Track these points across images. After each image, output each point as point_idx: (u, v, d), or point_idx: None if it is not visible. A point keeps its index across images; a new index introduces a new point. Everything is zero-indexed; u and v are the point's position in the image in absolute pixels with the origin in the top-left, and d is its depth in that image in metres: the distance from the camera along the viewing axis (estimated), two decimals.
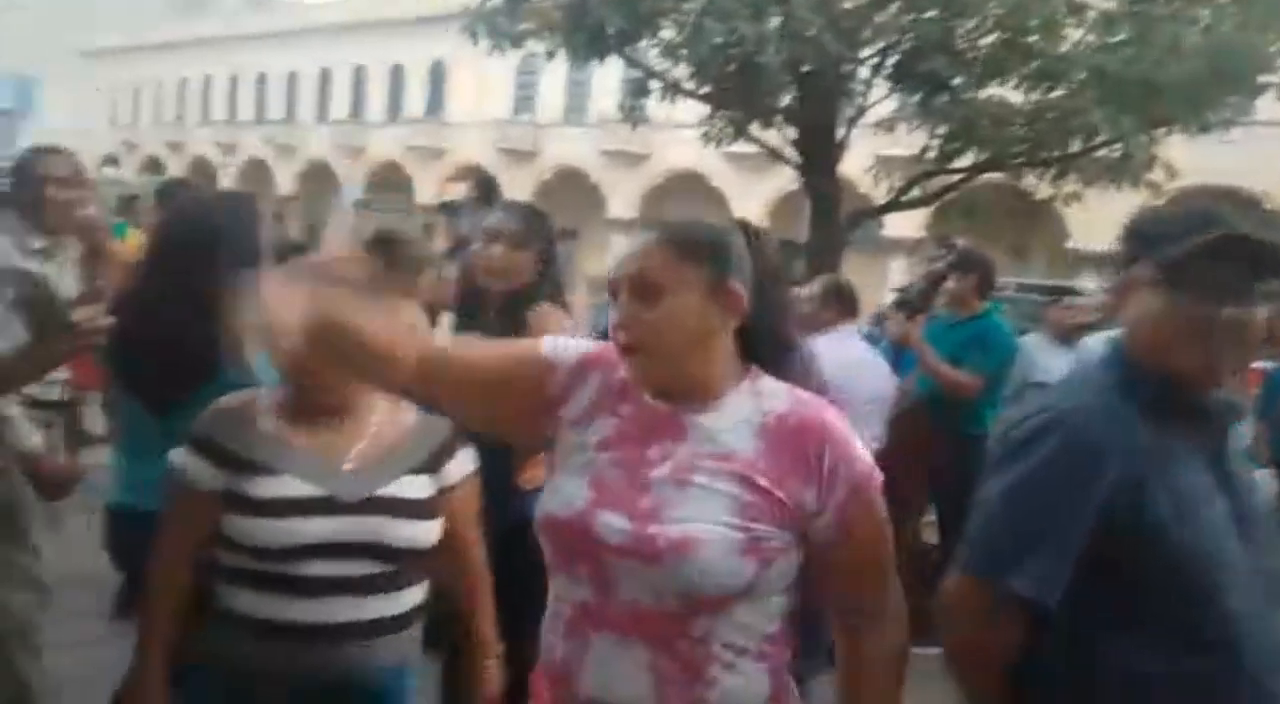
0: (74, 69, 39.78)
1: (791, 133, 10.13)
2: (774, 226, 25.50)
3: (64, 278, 2.88)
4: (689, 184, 26.74)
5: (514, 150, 29.46)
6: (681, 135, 21.22)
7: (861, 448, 1.34)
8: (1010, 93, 9.53)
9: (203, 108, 40.87)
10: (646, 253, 1.32)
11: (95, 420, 4.73)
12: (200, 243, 2.15)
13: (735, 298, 1.33)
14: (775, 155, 10.65)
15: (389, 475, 1.65)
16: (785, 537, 1.29)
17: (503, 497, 2.03)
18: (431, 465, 1.71)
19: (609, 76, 25.24)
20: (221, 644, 1.66)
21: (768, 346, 1.43)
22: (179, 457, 1.69)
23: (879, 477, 1.34)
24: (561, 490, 1.35)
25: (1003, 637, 1.41)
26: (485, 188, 4.77)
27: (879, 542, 1.35)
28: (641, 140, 26.80)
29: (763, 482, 1.28)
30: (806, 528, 1.30)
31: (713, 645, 1.28)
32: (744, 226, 1.49)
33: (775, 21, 8.61)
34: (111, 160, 30.97)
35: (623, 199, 27.81)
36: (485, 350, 1.51)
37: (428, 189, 29.59)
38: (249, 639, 1.63)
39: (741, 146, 12.37)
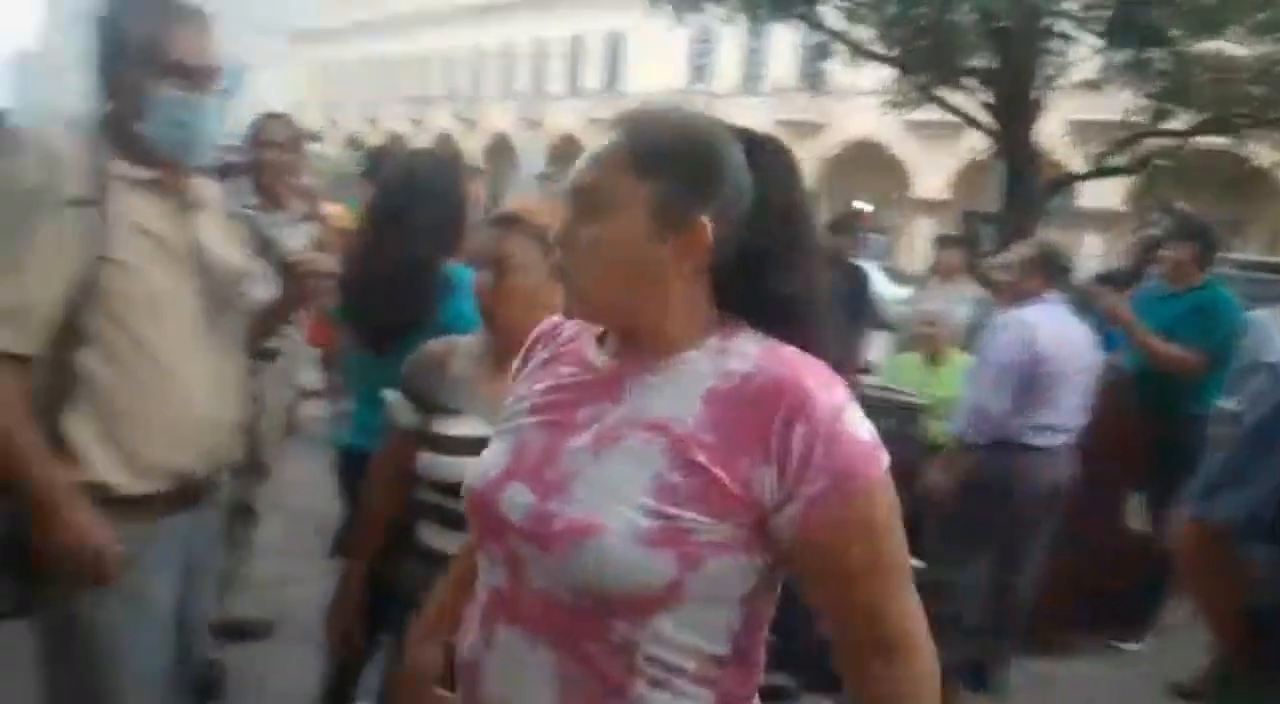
0: (284, 50, 42.53)
1: (984, 96, 9.60)
2: (958, 197, 24.54)
3: (293, 237, 3.10)
4: (867, 153, 25.98)
5: None
6: (860, 103, 20.62)
7: (860, 425, 1.00)
8: (1232, 46, 8.69)
9: (396, 85, 42.90)
10: (598, 158, 1.04)
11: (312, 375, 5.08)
12: (409, 205, 2.28)
13: (695, 232, 1.01)
14: (967, 120, 10.14)
15: None
16: (724, 529, 0.99)
17: None
18: None
19: (785, 45, 24.82)
20: (416, 577, 1.73)
21: (760, 301, 1.06)
22: (390, 395, 1.83)
23: (879, 465, 1.00)
24: (483, 457, 1.15)
25: (1226, 575, 1.45)
26: None
27: (873, 552, 1.00)
28: (818, 109, 26.25)
29: (700, 457, 0.99)
30: (768, 522, 0.99)
31: (635, 657, 1.01)
32: (752, 140, 1.08)
33: None
34: (315, 137, 33.06)
35: (801, 167, 27.33)
36: None
37: None
38: (437, 573, 1.71)
39: (922, 114, 11.86)
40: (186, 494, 1.76)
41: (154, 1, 1.68)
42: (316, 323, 3.42)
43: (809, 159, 27.14)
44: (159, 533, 1.71)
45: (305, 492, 3.40)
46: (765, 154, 1.08)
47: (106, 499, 1.63)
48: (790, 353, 1.04)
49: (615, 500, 0.99)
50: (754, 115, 28.37)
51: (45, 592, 1.68)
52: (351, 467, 2.30)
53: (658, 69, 30.96)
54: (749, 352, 1.03)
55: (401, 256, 2.23)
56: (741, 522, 0.99)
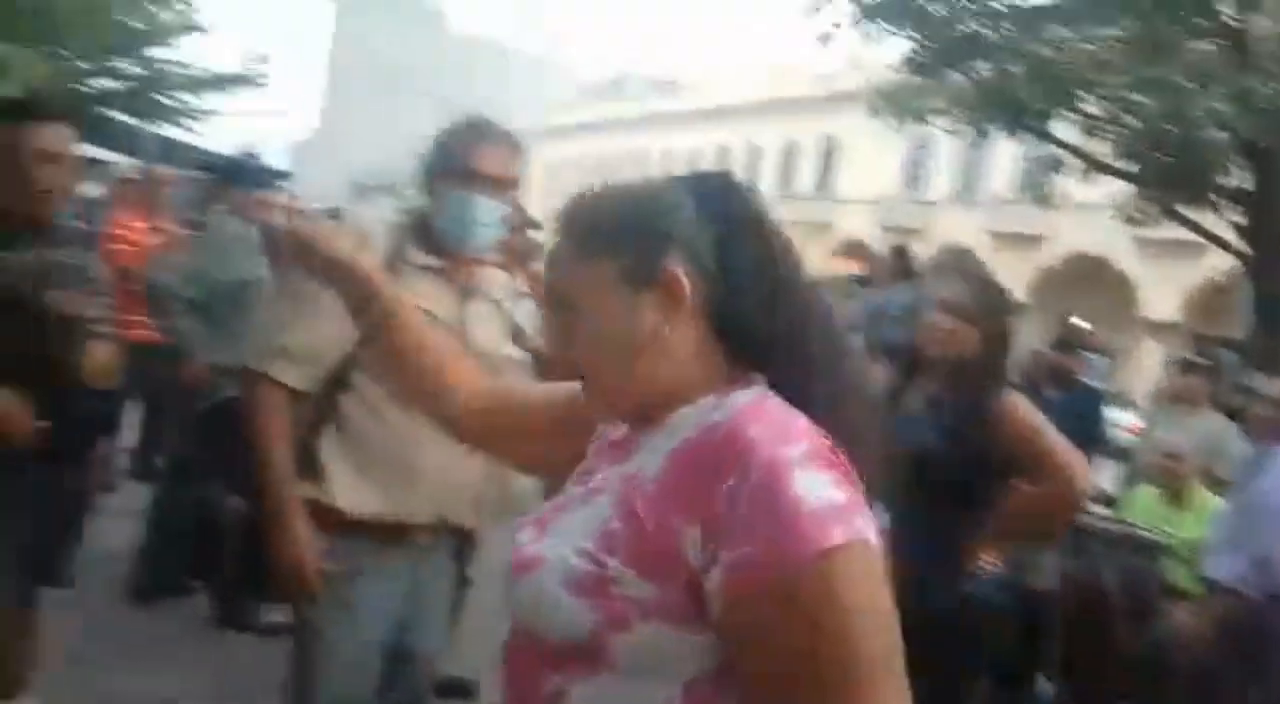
0: (530, 147, 45.90)
1: (1232, 215, 8.97)
2: (1190, 319, 22.83)
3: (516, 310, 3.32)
4: (1089, 268, 24.73)
5: (900, 227, 29.16)
6: (1082, 216, 19.77)
7: (812, 488, 0.85)
8: None
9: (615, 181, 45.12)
10: (551, 259, 1.05)
11: None
12: None
13: (669, 281, 0.96)
14: (1211, 239, 9.49)
15: None
16: (649, 589, 0.88)
17: (944, 573, 1.97)
18: None
19: (1005, 155, 24.25)
20: None
21: (755, 348, 0.99)
22: None
23: (829, 536, 0.82)
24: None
25: None
26: (901, 260, 4.78)
27: (819, 643, 0.82)
28: (1037, 221, 25.37)
29: (639, 505, 0.92)
30: (702, 589, 0.87)
31: None
32: (700, 183, 1.03)
33: (1222, 91, 7.71)
34: (536, 225, 35.12)
35: (1015, 281, 26.37)
36: (547, 389, 1.28)
37: (812, 262, 30.16)
38: None
39: (1155, 230, 11.21)
40: (414, 534, 1.98)
41: (474, 124, 2.00)
42: None
43: (1025, 271, 26.22)
44: (383, 560, 1.95)
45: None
46: (718, 195, 1.01)
47: (340, 522, 1.90)
48: (772, 405, 0.94)
49: (564, 541, 0.95)
50: (967, 225, 27.83)
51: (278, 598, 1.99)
52: None
53: (871, 174, 31.00)
54: (736, 404, 0.95)
55: None
56: (671, 582, 0.88)
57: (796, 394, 0.96)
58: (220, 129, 17.73)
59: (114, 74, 15.88)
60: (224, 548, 3.25)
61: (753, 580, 0.83)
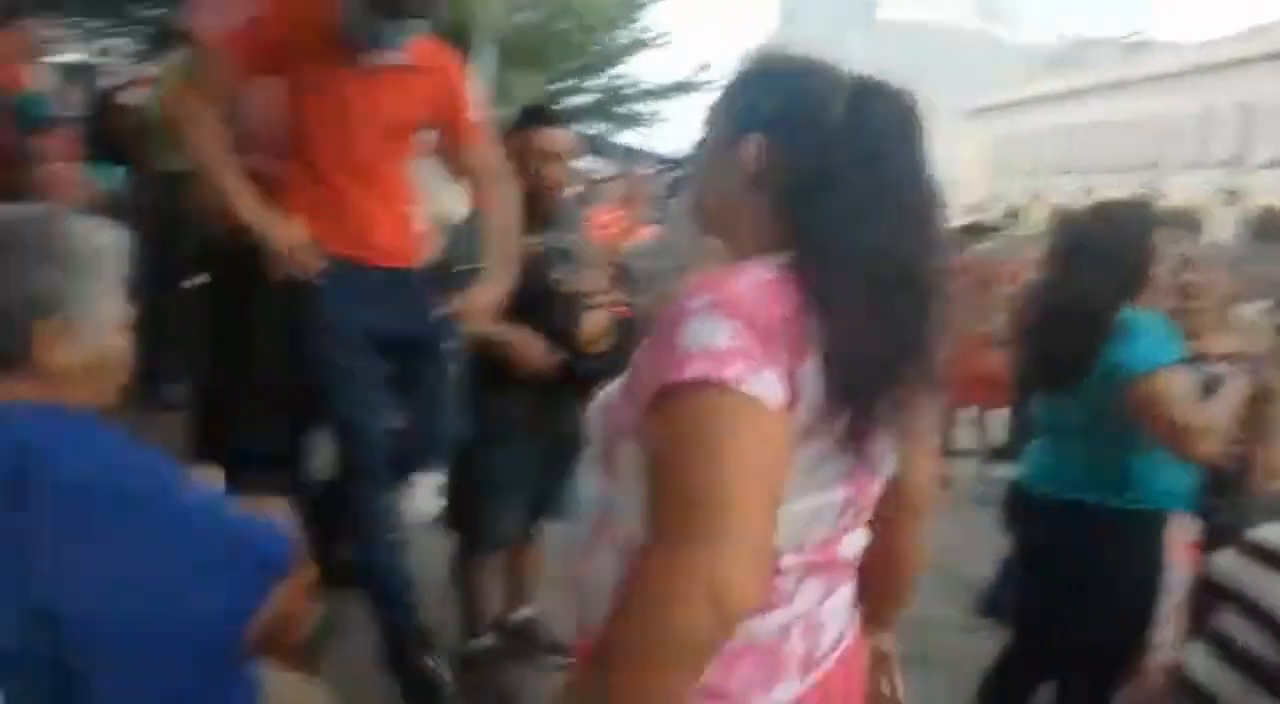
0: (957, 127, 44.39)
1: None
2: None
3: None
4: None
5: None
6: None
7: (695, 332, 0.90)
8: None
9: (1066, 156, 41.59)
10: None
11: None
12: (1092, 245, 2.29)
13: (744, 146, 1.05)
14: None
15: None
16: (630, 409, 1.01)
17: None
18: None
19: None
20: None
21: (803, 234, 1.01)
22: None
23: (680, 371, 0.89)
24: None
25: None
26: None
27: (656, 474, 0.92)
28: None
29: (652, 338, 1.03)
30: None
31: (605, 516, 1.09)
32: (871, 89, 1.03)
33: None
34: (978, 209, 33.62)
35: None
36: None
37: None
38: None
39: None
40: None
41: None
42: (967, 381, 3.48)
43: None
44: None
45: (954, 548, 3.42)
46: (876, 103, 1.02)
47: None
48: (738, 270, 0.96)
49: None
50: None
51: None
52: (1017, 502, 2.40)
53: None
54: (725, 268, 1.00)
55: (1077, 293, 2.23)
56: (636, 405, 0.96)
57: (818, 295, 0.94)
58: (664, 130, 19.37)
59: (583, 92, 18.03)
60: None
61: (646, 416, 0.92)
